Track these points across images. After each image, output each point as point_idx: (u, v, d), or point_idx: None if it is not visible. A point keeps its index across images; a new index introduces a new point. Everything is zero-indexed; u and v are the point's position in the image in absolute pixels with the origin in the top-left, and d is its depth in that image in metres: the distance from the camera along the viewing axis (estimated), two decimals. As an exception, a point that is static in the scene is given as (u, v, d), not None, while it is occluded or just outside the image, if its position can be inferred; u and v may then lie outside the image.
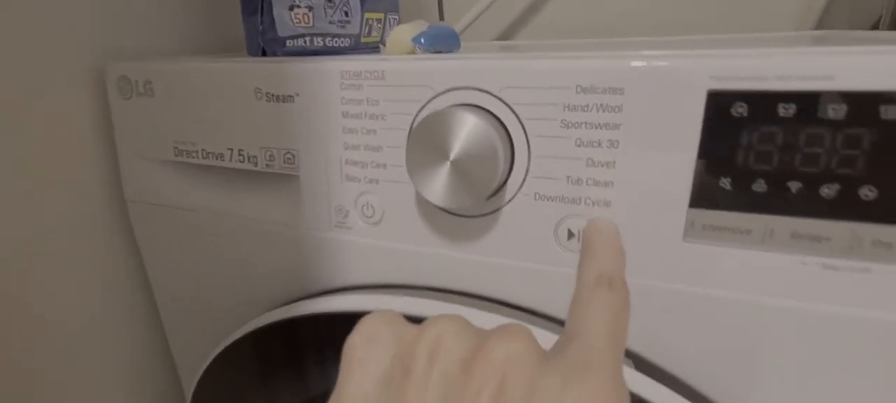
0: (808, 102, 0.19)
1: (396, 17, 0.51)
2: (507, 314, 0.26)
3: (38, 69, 0.33)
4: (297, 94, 0.29)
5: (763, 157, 0.20)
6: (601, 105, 0.22)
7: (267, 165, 0.31)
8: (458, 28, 0.70)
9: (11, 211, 0.33)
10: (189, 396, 0.39)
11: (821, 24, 0.60)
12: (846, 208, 0.20)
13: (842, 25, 0.60)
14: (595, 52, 0.23)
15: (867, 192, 0.19)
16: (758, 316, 0.22)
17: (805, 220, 0.20)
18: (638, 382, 0.23)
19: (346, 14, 0.43)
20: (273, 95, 0.29)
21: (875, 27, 0.56)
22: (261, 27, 0.39)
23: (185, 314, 0.40)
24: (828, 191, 0.20)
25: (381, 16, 0.48)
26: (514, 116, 0.24)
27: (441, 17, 0.70)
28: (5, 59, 0.32)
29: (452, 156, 0.23)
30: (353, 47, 0.44)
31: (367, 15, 0.45)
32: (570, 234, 0.24)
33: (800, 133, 0.20)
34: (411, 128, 0.26)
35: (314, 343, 0.32)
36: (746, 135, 0.20)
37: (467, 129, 0.22)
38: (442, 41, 0.36)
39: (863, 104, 0.19)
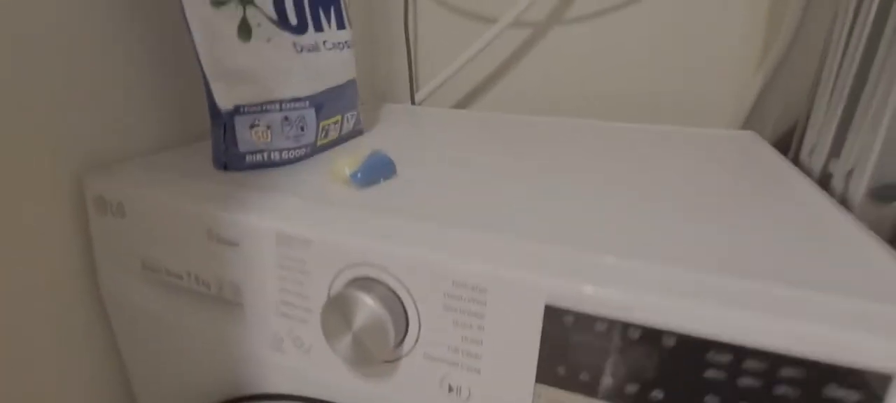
0: (612, 325, 0.25)
1: (354, 113, 0.56)
2: (406, 440, 0.32)
3: (22, 178, 0.39)
4: (240, 243, 0.34)
5: (587, 355, 0.26)
6: (471, 298, 0.28)
7: (218, 292, 0.37)
8: (419, 96, 0.76)
9: None
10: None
11: (747, 123, 0.66)
12: (644, 403, 0.26)
13: (769, 123, 0.65)
14: (465, 257, 0.28)
15: (657, 394, 0.25)
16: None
17: (616, 407, 0.26)
18: None
19: (303, 128, 0.48)
20: (222, 238, 0.35)
21: (794, 129, 0.61)
22: (224, 145, 0.44)
23: (156, 389, 0.46)
24: (630, 388, 0.26)
25: (339, 118, 0.53)
26: (408, 294, 0.29)
27: (412, 93, 0.76)
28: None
29: (354, 329, 0.28)
30: (310, 154, 0.49)
31: (322, 123, 0.50)
32: (451, 388, 0.30)
33: (610, 343, 0.25)
34: (328, 293, 0.31)
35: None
36: (574, 337, 0.26)
37: (365, 312, 0.28)
38: (378, 172, 0.42)
39: (649, 333, 0.24)
